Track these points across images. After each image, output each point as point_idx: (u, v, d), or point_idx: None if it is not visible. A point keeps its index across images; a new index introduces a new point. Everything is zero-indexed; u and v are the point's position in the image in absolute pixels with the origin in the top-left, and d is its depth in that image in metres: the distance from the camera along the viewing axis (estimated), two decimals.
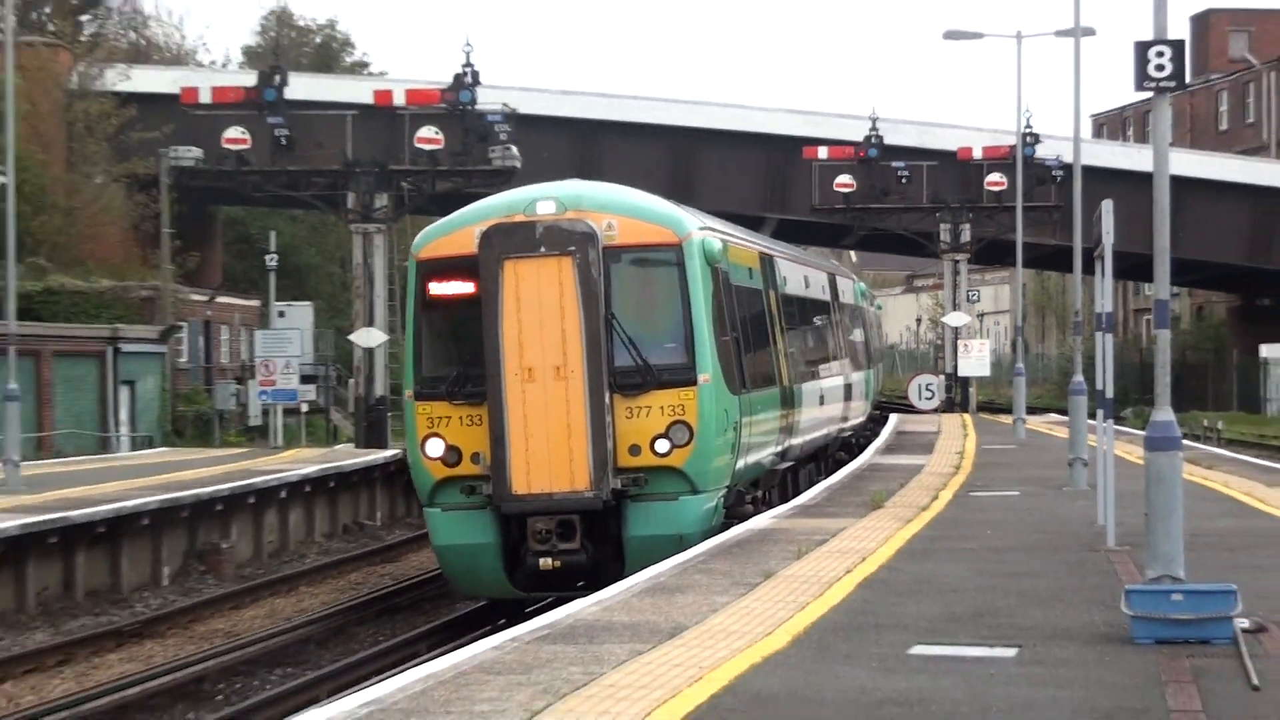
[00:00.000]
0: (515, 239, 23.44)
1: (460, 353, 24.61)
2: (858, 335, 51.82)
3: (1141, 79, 18.33)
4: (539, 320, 23.11)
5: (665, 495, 23.96)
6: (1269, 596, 17.95)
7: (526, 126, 56.36)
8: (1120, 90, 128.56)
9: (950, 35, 55.33)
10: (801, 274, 39.00)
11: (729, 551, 22.93)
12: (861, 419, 51.68)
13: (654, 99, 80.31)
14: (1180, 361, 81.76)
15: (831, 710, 12.89)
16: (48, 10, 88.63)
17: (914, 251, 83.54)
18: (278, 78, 54.29)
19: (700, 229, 25.30)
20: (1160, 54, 18.28)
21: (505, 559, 24.10)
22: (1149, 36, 18.37)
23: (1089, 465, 30.80)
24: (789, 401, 32.34)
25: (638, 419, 23.78)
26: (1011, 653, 15.35)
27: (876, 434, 52.19)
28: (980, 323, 79.88)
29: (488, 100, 52.89)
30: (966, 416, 63.12)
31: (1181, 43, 18.44)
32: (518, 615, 24.25)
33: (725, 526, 25.11)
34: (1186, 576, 17.06)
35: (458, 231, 24.57)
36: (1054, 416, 61.11)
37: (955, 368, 68.52)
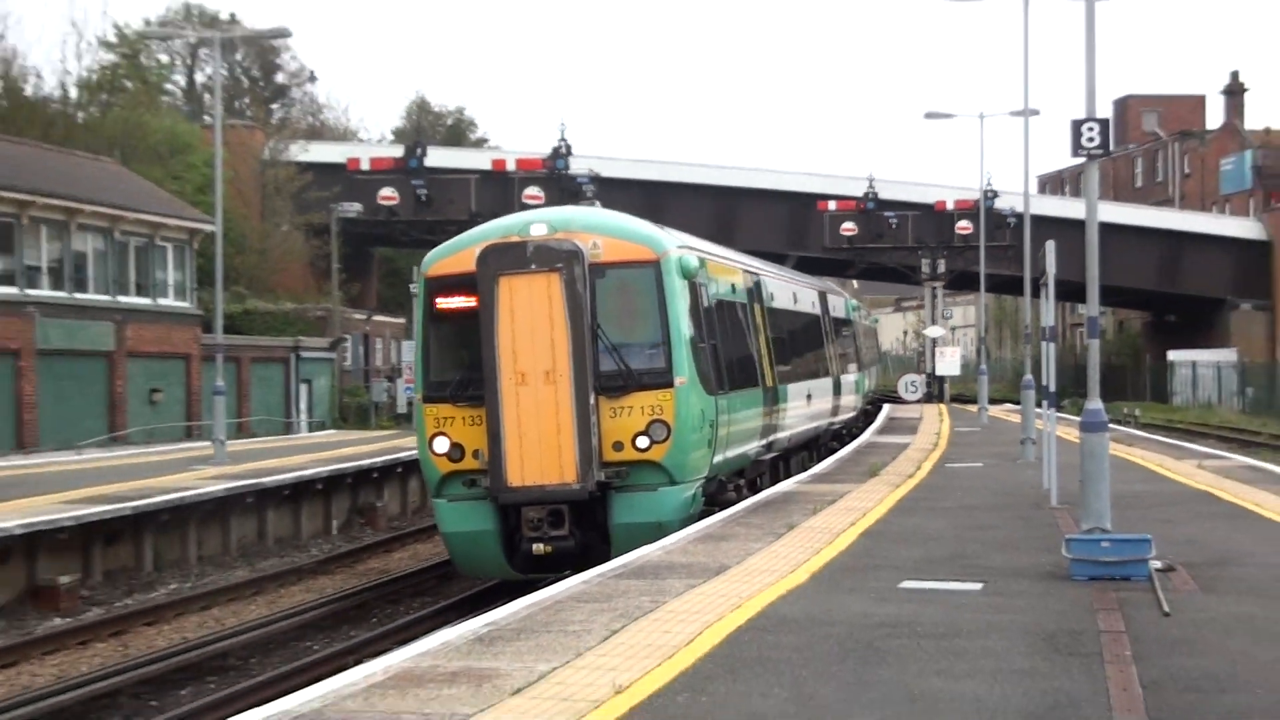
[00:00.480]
0: (509, 257, 20.30)
1: (463, 359, 21.21)
2: (848, 343, 46.47)
3: (1076, 148, 18.30)
4: (530, 330, 20.07)
5: (646, 486, 20.66)
6: (1176, 544, 17.85)
7: (607, 186, 56.39)
8: (1060, 155, 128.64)
9: (929, 115, 55.15)
10: (790, 291, 34.79)
11: (762, 509, 22.89)
12: (853, 413, 46.99)
13: (704, 165, 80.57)
14: (1106, 364, 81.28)
15: (840, 630, 12.85)
16: (247, 100, 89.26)
17: (901, 280, 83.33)
18: (419, 150, 54.65)
19: (678, 248, 21.92)
20: (1090, 129, 18.22)
21: (504, 544, 20.91)
22: (1082, 116, 18.32)
23: (1036, 443, 30.63)
24: (773, 400, 28.41)
25: (620, 418, 20.56)
26: (978, 586, 15.28)
27: (873, 420, 51.98)
28: (952, 334, 79.60)
29: (578, 166, 53.01)
30: (942, 406, 62.92)
31: (1106, 121, 18.39)
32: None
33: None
34: (1113, 528, 17.01)
35: (461, 252, 21.15)
36: (1009, 406, 60.86)
37: (934, 368, 68.48)
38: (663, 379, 20.79)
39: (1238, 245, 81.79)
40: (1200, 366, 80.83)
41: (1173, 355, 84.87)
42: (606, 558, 18.39)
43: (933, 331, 70.27)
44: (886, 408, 59.10)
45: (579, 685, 10.78)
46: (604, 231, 21.18)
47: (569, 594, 14.90)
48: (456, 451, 20.91)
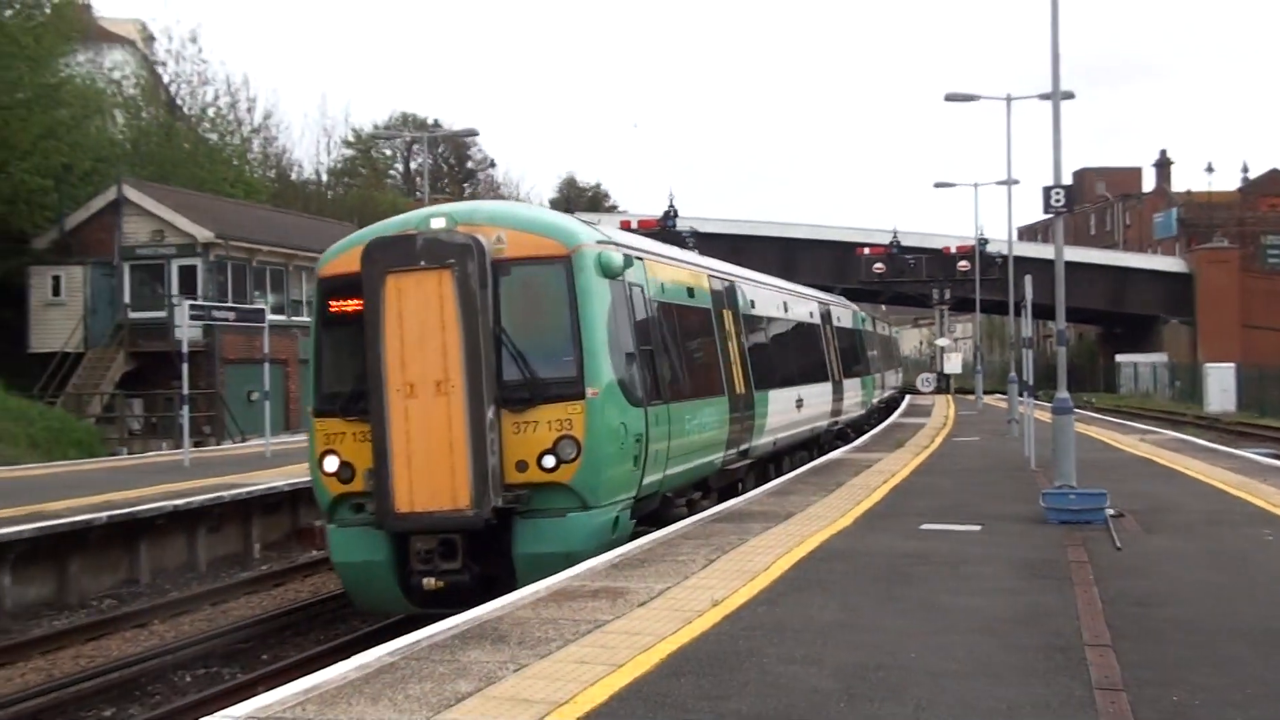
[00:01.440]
0: (396, 253, 13.57)
1: (356, 369, 13.97)
2: (854, 350, 37.11)
3: (1047, 207, 18.06)
4: (420, 335, 13.40)
5: (553, 511, 13.74)
6: (1125, 496, 17.51)
7: (703, 239, 55.85)
8: (1035, 213, 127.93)
9: (938, 185, 54.74)
10: (778, 300, 26.26)
11: (817, 471, 22.67)
12: (859, 413, 36.91)
13: (772, 222, 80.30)
14: (1070, 364, 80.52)
15: (876, 559, 12.70)
16: (446, 181, 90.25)
17: (918, 304, 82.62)
18: (572, 215, 54.76)
19: (597, 242, 14.70)
20: (1058, 193, 17.97)
21: (400, 576, 13.89)
22: (1051, 184, 18.08)
23: (1019, 423, 30.26)
24: (745, 407, 20.56)
25: (524, 434, 13.68)
26: (977, 528, 15.06)
27: (896, 409, 51.46)
28: (955, 344, 78.82)
29: (682, 225, 52.71)
30: (949, 396, 62.32)
31: (1069, 187, 18.17)
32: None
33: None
34: (1077, 485, 16.72)
35: (355, 249, 14.17)
36: (999, 395, 60.03)
37: (942, 369, 68.06)
38: (572, 390, 13.84)
39: (1167, 277, 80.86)
40: (1140, 366, 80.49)
41: (1120, 358, 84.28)
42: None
43: (941, 342, 70.01)
44: (908, 398, 58.64)
45: (686, 599, 10.72)
46: (510, 224, 14.31)
47: (679, 534, 14.82)
48: (347, 471, 14.14)
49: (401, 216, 14.96)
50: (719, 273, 21.28)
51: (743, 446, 20.60)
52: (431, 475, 13.28)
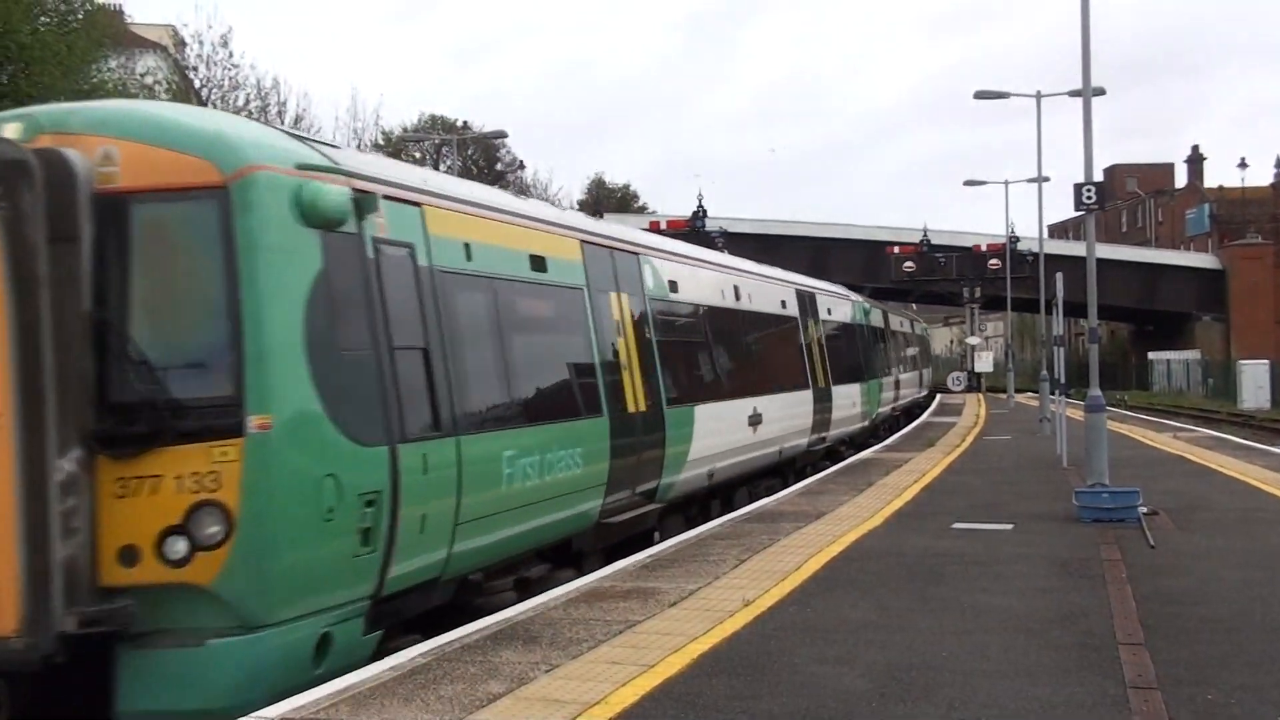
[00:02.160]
0: None
1: None
2: (853, 350, 30.07)
3: (1078, 204, 18.00)
4: None
5: (183, 635, 7.36)
6: (1158, 494, 17.41)
7: (733, 239, 55.93)
8: (1066, 210, 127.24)
9: (968, 182, 54.55)
10: (723, 283, 19.42)
11: (847, 471, 22.63)
12: (857, 426, 29.54)
13: (803, 221, 79.96)
14: (1102, 362, 79.93)
15: (908, 558, 12.66)
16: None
17: (948, 303, 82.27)
18: (599, 215, 54.78)
19: (297, 166, 8.28)
20: (1089, 190, 17.89)
21: None
22: (1082, 181, 18.01)
23: (1050, 421, 30.10)
24: (648, 430, 14.36)
25: (136, 499, 7.35)
26: (1010, 527, 14.99)
27: (926, 408, 51.25)
28: (986, 342, 78.52)
29: (711, 225, 52.78)
30: (980, 395, 62.06)
31: (1100, 184, 18.09)
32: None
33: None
34: (1110, 483, 16.63)
35: None
36: (1030, 394, 59.76)
37: (973, 367, 67.86)
38: (224, 420, 7.65)
39: (1200, 274, 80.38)
40: (1173, 363, 80.00)
41: (1152, 355, 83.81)
42: None
43: (972, 340, 69.80)
44: (939, 397, 58.49)
45: (717, 599, 10.72)
46: (126, 132, 8.03)
47: (710, 533, 14.80)
48: None
49: None
50: (611, 240, 14.69)
51: (646, 485, 14.55)
52: None
